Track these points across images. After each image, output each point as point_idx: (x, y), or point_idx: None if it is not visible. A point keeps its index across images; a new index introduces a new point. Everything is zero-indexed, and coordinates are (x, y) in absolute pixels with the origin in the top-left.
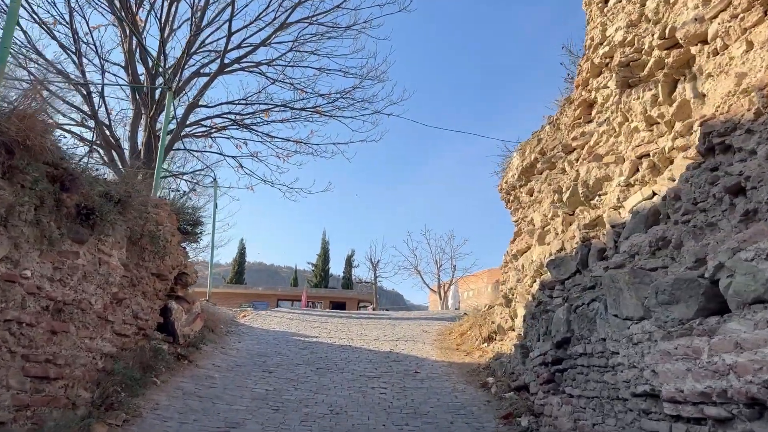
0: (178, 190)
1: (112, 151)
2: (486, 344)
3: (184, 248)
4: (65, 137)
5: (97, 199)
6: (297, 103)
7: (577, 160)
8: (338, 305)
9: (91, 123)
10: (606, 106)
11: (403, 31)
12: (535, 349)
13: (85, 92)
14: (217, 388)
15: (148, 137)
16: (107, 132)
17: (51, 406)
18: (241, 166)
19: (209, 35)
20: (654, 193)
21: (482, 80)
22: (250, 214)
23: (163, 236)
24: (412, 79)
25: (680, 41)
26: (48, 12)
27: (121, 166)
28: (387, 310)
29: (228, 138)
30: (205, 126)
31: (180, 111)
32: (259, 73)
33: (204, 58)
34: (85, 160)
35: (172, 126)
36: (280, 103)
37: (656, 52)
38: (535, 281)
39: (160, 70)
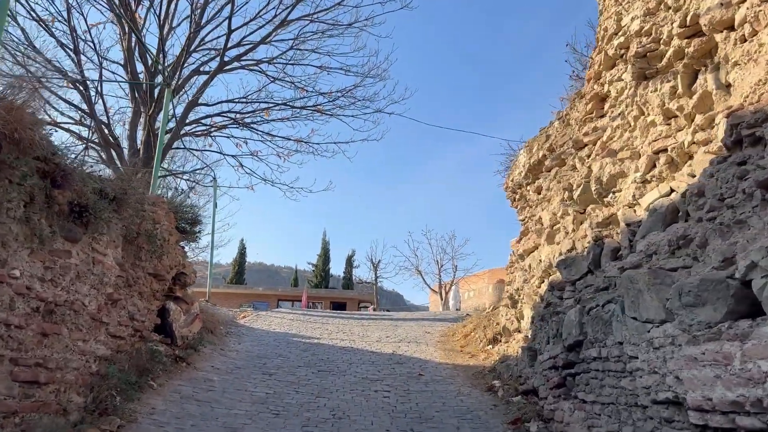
0: (177, 188)
1: (111, 149)
2: (491, 346)
3: (183, 248)
4: (62, 135)
5: (91, 197)
6: (297, 101)
7: (589, 156)
8: (339, 306)
9: (89, 121)
10: (620, 100)
11: (404, 31)
12: (544, 352)
13: (83, 90)
14: (216, 392)
15: (147, 136)
16: (106, 130)
17: (41, 412)
18: (242, 166)
19: (209, 33)
20: (672, 190)
21: (481, 82)
22: (251, 214)
23: (161, 235)
24: (413, 79)
25: (703, 29)
26: (46, 9)
27: (120, 165)
28: (388, 310)
29: (228, 137)
30: (205, 125)
31: (180, 109)
32: (260, 72)
33: (204, 56)
34: (82, 157)
35: (171, 125)
36: (280, 102)
37: (676, 42)
38: (543, 282)
39: (160, 67)
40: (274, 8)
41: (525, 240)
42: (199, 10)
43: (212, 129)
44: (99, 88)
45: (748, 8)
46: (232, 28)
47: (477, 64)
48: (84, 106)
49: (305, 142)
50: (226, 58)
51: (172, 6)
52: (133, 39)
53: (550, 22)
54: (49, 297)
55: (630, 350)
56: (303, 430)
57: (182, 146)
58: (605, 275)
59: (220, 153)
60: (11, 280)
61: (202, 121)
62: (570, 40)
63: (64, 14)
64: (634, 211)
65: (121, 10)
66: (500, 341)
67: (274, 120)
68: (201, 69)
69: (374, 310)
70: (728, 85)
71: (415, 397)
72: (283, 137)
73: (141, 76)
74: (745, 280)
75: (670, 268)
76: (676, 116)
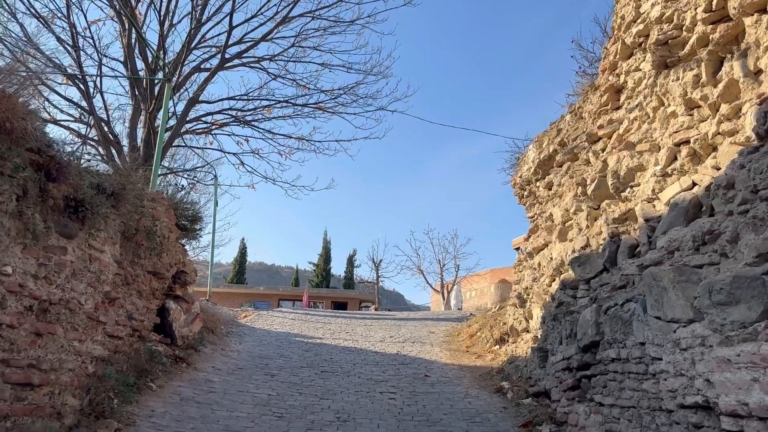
0: (177, 185)
1: (111, 147)
2: (498, 346)
3: (183, 245)
4: (62, 133)
5: (87, 191)
6: (299, 99)
7: (604, 149)
8: (340, 305)
9: (88, 118)
10: (638, 91)
11: (406, 28)
12: (557, 353)
13: (82, 87)
14: (217, 393)
15: (147, 133)
16: (105, 128)
17: (34, 415)
18: (242, 164)
19: (210, 29)
20: (694, 184)
21: (482, 79)
22: (252, 214)
23: (160, 232)
24: (416, 76)
25: (731, 12)
26: (45, 6)
27: (119, 163)
28: (389, 310)
29: (229, 135)
30: (206, 122)
31: (180, 107)
32: (261, 69)
33: (205, 53)
34: (80, 152)
35: (172, 122)
36: (282, 99)
37: (700, 28)
38: (554, 280)
39: (160, 63)
40: (275, 5)
41: (534, 238)
42: (200, 7)
43: (213, 127)
44: (99, 85)
45: None
46: (234, 24)
47: (479, 62)
48: (83, 104)
49: (307, 140)
50: (227, 55)
51: (173, 2)
52: (134, 36)
53: (551, 20)
54: (43, 295)
55: (653, 351)
56: None
57: (183, 144)
58: (622, 273)
59: (221, 151)
60: (3, 277)
61: (203, 118)
62: (574, 37)
63: (64, 11)
64: (654, 206)
65: (122, 7)
66: (508, 341)
67: (275, 118)
68: (202, 66)
69: (376, 309)
70: (757, 72)
71: (421, 399)
72: (285, 135)
73: (141, 73)
74: None
75: (696, 265)
76: (699, 106)
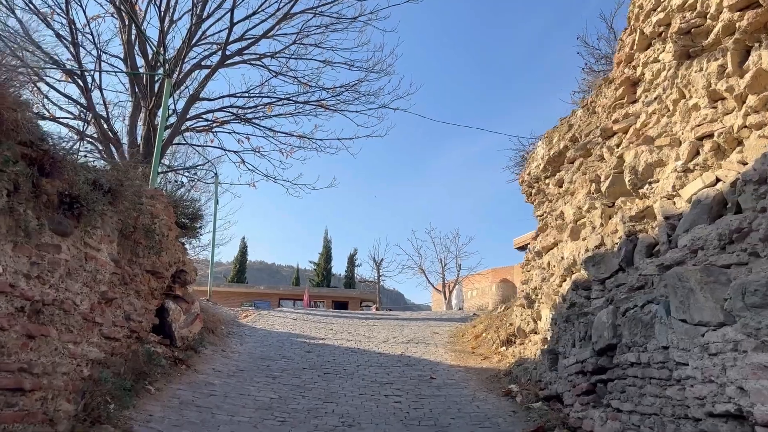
0: (176, 182)
1: (110, 145)
2: (504, 348)
3: (183, 244)
4: (62, 130)
5: (83, 187)
6: (300, 96)
7: (619, 145)
8: (341, 305)
9: (87, 115)
10: (656, 83)
11: (409, 25)
12: (569, 356)
13: (81, 83)
14: (217, 396)
15: (147, 131)
16: (105, 125)
17: (25, 422)
18: (243, 162)
19: (211, 26)
20: (718, 179)
21: (482, 80)
22: (252, 212)
23: (159, 230)
24: (417, 74)
25: None
26: (44, 1)
27: (118, 160)
28: (390, 310)
29: (230, 132)
30: (207, 120)
31: (181, 104)
32: (262, 66)
33: (205, 50)
34: (77, 147)
35: (172, 120)
36: (283, 97)
37: (726, 15)
38: (565, 280)
39: (160, 60)
40: (276, 1)
41: (543, 236)
42: (200, 3)
43: (214, 124)
44: (99, 82)
45: None
46: (235, 21)
47: (479, 61)
48: (83, 101)
49: (308, 138)
50: (227, 52)
51: None
52: (134, 32)
53: (551, 21)
54: (35, 295)
55: (678, 356)
56: None
57: (183, 142)
58: (640, 273)
59: (222, 149)
60: None
61: (204, 116)
62: (579, 34)
63: (63, 6)
64: (674, 203)
65: (122, 3)
66: (515, 343)
67: (276, 115)
68: (202, 63)
69: (377, 309)
70: None
71: (428, 402)
72: (286, 133)
73: (141, 70)
74: None
75: (723, 265)
76: (724, 98)
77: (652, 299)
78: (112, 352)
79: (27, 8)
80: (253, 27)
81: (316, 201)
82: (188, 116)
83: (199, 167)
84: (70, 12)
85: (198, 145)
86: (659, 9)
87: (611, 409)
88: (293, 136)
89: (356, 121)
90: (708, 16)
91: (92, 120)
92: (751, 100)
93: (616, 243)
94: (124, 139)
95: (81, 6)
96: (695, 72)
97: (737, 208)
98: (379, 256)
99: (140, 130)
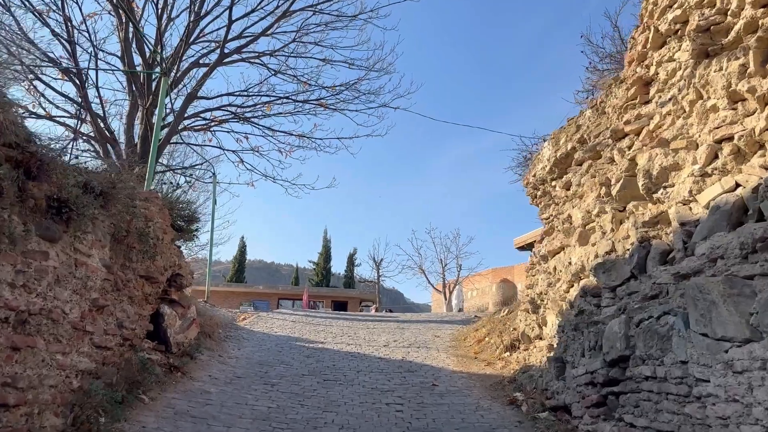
0: (172, 183)
1: (107, 144)
2: (508, 353)
3: (178, 247)
4: (59, 129)
5: (73, 190)
6: (300, 95)
7: (630, 147)
8: (340, 305)
9: (83, 113)
10: (671, 83)
11: (409, 23)
12: (578, 366)
13: (77, 81)
14: (213, 406)
15: (145, 130)
16: (102, 124)
17: None
18: (242, 161)
19: (209, 23)
20: (737, 185)
21: (482, 80)
22: (252, 212)
23: (154, 234)
24: (418, 73)
25: None
26: None
27: (116, 161)
28: (390, 310)
29: (228, 132)
30: (205, 119)
31: (179, 103)
32: (261, 64)
33: (203, 48)
34: (70, 148)
35: (169, 119)
36: (282, 96)
37: (748, 12)
38: (572, 286)
39: (158, 58)
40: None
41: (549, 240)
42: (198, 0)
43: (212, 123)
44: (95, 80)
45: None
46: (233, 18)
47: (479, 60)
48: (79, 99)
49: (308, 138)
50: (226, 50)
51: None
52: (131, 30)
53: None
54: (21, 305)
55: (698, 372)
56: None
57: (181, 141)
58: (654, 281)
59: (220, 148)
60: None
61: (202, 115)
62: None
63: (59, 3)
64: (690, 208)
65: (119, 0)
66: (519, 348)
67: (275, 114)
68: (200, 61)
69: (376, 310)
70: None
71: (430, 411)
72: (285, 132)
73: (138, 68)
74: None
75: (745, 276)
76: (745, 99)
77: (668, 310)
78: (104, 361)
79: (23, 5)
80: (252, 25)
81: (316, 200)
82: (186, 115)
83: (197, 167)
84: (66, 9)
85: (196, 145)
86: (676, 5)
87: (624, 424)
88: (292, 135)
89: (356, 120)
90: (729, 13)
91: (89, 119)
92: None
93: (628, 249)
94: (122, 138)
95: (77, 3)
96: (714, 72)
97: (759, 215)
98: (378, 255)
99: (137, 130)
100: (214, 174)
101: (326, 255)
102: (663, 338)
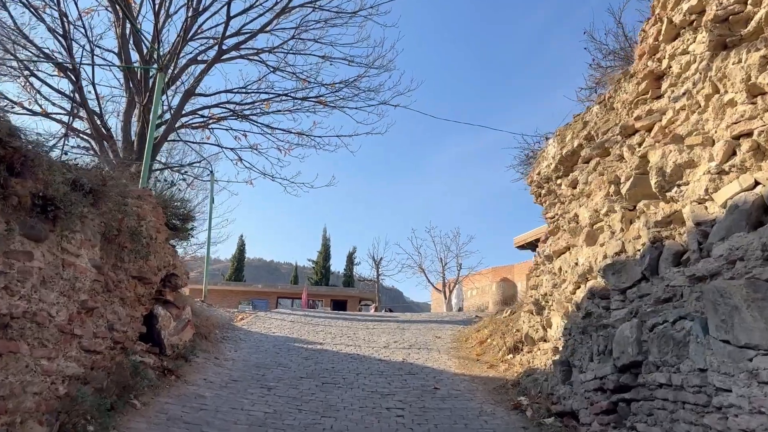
0: (167, 180)
1: (104, 141)
2: (511, 355)
3: (173, 246)
4: (54, 126)
5: (60, 188)
6: (299, 92)
7: (641, 144)
8: (339, 304)
9: (77, 110)
10: (685, 76)
11: (409, 22)
12: (587, 371)
13: (73, 78)
14: (208, 411)
15: (142, 127)
16: (98, 121)
17: None
18: (241, 159)
19: (207, 20)
20: (757, 183)
21: (482, 77)
22: (251, 210)
23: (147, 233)
24: (418, 71)
25: None
26: None
27: (113, 158)
28: (390, 310)
29: (227, 129)
30: (203, 116)
31: (176, 100)
32: (259, 61)
33: (201, 45)
34: (63, 146)
35: (167, 116)
36: (281, 93)
37: None
38: (578, 288)
39: (155, 55)
40: None
41: (554, 240)
42: None
43: (210, 121)
44: (92, 76)
45: None
46: (231, 15)
47: (479, 57)
48: (76, 96)
49: (307, 135)
50: (224, 47)
51: None
52: (128, 26)
53: (551, 17)
54: (2, 308)
55: (718, 381)
56: None
57: (178, 139)
58: (667, 284)
59: (219, 146)
60: None
61: (200, 112)
62: (576, 31)
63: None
64: (706, 207)
65: None
66: (522, 350)
67: (274, 112)
68: (198, 58)
69: (376, 309)
70: None
71: (432, 416)
72: (284, 130)
73: (136, 65)
74: None
75: None
76: (765, 93)
77: (684, 315)
78: (93, 366)
79: (18, 1)
80: (251, 21)
81: (315, 199)
82: (184, 112)
83: (195, 165)
84: (62, 4)
85: (194, 142)
86: None
87: None
88: (291, 133)
89: (356, 118)
90: (749, 1)
91: (85, 116)
92: None
93: (639, 250)
94: (119, 136)
95: None
96: (732, 64)
97: None
98: (378, 254)
99: (135, 127)
100: (211, 172)
101: (325, 253)
102: (679, 344)
